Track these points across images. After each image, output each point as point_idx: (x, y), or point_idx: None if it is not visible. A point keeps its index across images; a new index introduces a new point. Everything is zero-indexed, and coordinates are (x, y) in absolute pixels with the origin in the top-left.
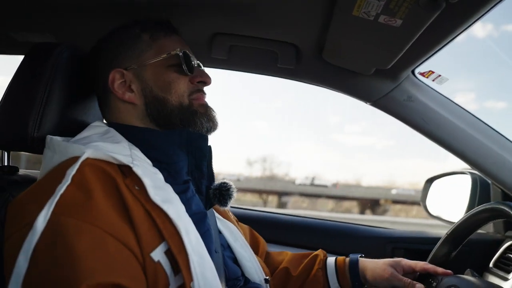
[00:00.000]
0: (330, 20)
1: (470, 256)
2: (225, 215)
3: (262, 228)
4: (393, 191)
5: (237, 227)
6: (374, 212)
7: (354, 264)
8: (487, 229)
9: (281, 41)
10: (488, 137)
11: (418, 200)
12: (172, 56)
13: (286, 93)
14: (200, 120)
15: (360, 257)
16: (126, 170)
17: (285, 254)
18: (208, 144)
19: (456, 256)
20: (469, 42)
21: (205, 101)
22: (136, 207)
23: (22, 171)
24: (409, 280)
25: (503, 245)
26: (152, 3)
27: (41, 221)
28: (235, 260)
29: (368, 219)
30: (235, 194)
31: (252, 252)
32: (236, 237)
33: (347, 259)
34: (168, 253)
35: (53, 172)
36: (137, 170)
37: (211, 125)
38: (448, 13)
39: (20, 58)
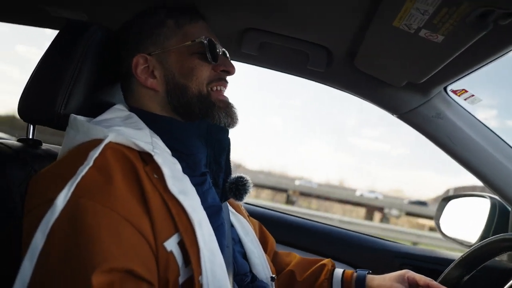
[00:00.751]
0: (368, 28)
1: (480, 282)
2: (238, 209)
3: (270, 227)
4: (297, 182)
5: (248, 222)
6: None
7: (361, 280)
8: (501, 257)
9: (313, 42)
10: None
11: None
12: (196, 44)
13: (304, 91)
14: (218, 114)
15: (367, 273)
16: (146, 158)
17: (293, 256)
18: (228, 137)
19: (466, 280)
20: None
21: (225, 97)
22: (154, 196)
23: (45, 145)
24: None
25: None
26: None
27: (61, 200)
28: (244, 255)
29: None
30: (251, 189)
31: (261, 249)
32: (247, 232)
33: (355, 274)
34: (181, 244)
35: (75, 153)
36: (158, 158)
37: (230, 121)
38: (493, 34)
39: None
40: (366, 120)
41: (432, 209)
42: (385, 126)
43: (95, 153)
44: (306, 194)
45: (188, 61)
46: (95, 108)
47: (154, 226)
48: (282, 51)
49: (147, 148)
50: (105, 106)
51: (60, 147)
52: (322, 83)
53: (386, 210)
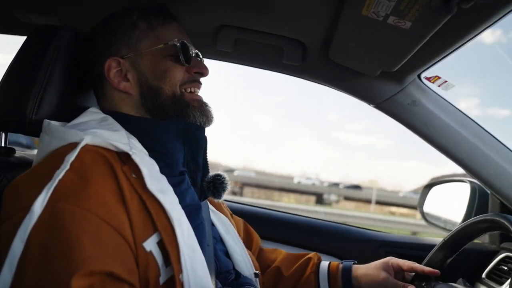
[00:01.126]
0: (338, 19)
1: (463, 265)
2: (219, 208)
3: (256, 224)
4: (235, 173)
5: (230, 220)
6: None
7: (347, 271)
8: (482, 239)
9: (287, 37)
10: (491, 147)
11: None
12: (169, 46)
13: (289, 88)
14: (193, 113)
15: (353, 264)
16: (124, 158)
17: (278, 252)
18: (205, 135)
19: (449, 264)
20: (476, 47)
21: (199, 97)
22: (132, 196)
23: (18, 153)
24: (402, 283)
25: (497, 256)
26: None
27: (38, 205)
28: (227, 253)
29: None
30: (229, 187)
31: (244, 246)
32: (228, 230)
33: (341, 265)
34: (160, 244)
35: (51, 157)
36: (136, 158)
37: (205, 119)
38: (458, 18)
39: (22, 38)
40: (349, 114)
41: (365, 192)
42: (368, 119)
43: (72, 156)
44: (246, 184)
45: (161, 64)
46: (68, 112)
47: (133, 227)
48: (257, 47)
49: (125, 148)
50: (79, 110)
51: (33, 154)
52: (299, 77)
53: (325, 196)
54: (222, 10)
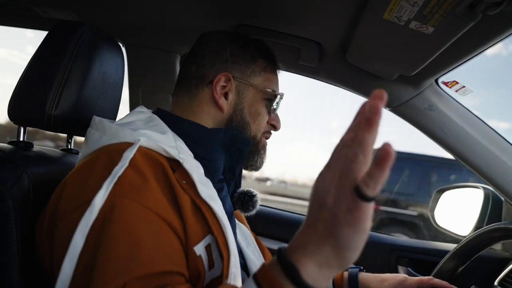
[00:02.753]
0: (358, 21)
1: (475, 272)
2: (240, 219)
3: (264, 223)
4: (268, 183)
5: (250, 232)
6: None
7: (353, 278)
8: (495, 246)
9: (305, 37)
10: (508, 155)
11: None
12: (273, 94)
13: (290, 93)
14: (258, 158)
15: (359, 270)
16: (173, 164)
17: None
18: (248, 150)
19: (462, 271)
20: (477, 57)
21: (267, 143)
22: (185, 200)
23: (36, 147)
24: None
25: (510, 264)
26: None
27: (99, 200)
28: (243, 266)
29: None
30: (258, 204)
31: (263, 260)
32: (249, 243)
33: (345, 273)
34: (208, 248)
35: (106, 153)
36: (186, 165)
37: (259, 166)
38: (481, 24)
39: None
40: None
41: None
42: None
43: (130, 154)
44: (281, 195)
45: (259, 104)
46: (89, 109)
47: (186, 230)
48: (273, 47)
49: (174, 153)
50: (99, 107)
51: (51, 148)
52: (314, 78)
53: None
54: (239, 10)
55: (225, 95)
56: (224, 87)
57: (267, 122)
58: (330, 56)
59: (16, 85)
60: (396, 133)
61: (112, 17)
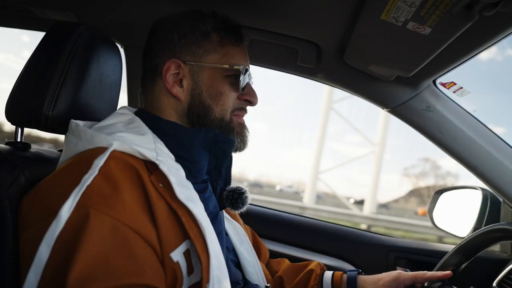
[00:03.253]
0: (356, 22)
1: (474, 273)
2: (233, 216)
3: (263, 225)
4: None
5: (244, 230)
6: None
7: (352, 281)
8: (494, 248)
9: (302, 39)
10: (506, 155)
11: None
12: (233, 69)
13: (288, 97)
14: (235, 138)
15: (358, 273)
16: (150, 166)
17: (282, 262)
18: (232, 149)
19: (461, 271)
20: (472, 62)
21: (243, 120)
22: (160, 205)
23: (34, 148)
24: None
25: (509, 265)
26: None
27: (66, 211)
28: (237, 264)
29: None
30: (248, 200)
31: (257, 258)
32: (242, 240)
33: (345, 275)
34: (186, 253)
35: (78, 161)
36: (163, 167)
37: (242, 146)
38: (479, 25)
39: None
40: (347, 127)
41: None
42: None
43: (100, 161)
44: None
45: (219, 84)
46: (87, 109)
47: (160, 237)
48: (272, 48)
49: (151, 156)
50: (97, 108)
51: (48, 149)
52: (313, 79)
53: None
54: (237, 11)
55: (180, 83)
56: (176, 74)
57: (240, 99)
58: (328, 57)
59: (14, 86)
60: None
61: (110, 18)
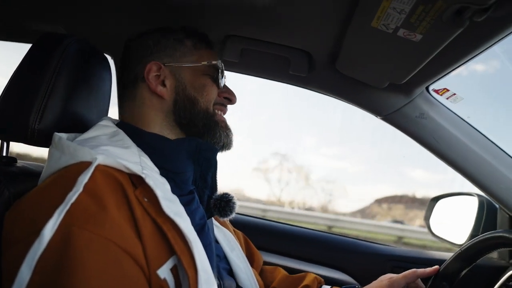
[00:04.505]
0: (347, 30)
1: (472, 280)
2: (223, 223)
3: (259, 236)
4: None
5: (234, 236)
6: None
7: None
8: (492, 255)
9: (294, 47)
10: (501, 161)
11: None
12: (211, 66)
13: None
14: (220, 132)
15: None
16: (136, 180)
17: (278, 272)
18: (216, 157)
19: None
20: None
21: (225, 119)
22: (145, 221)
23: (20, 163)
24: None
25: (507, 272)
26: (164, 1)
27: (49, 230)
28: (229, 271)
29: None
30: (236, 206)
31: (248, 264)
32: (232, 247)
33: None
34: (174, 269)
35: (61, 177)
36: (149, 181)
37: (227, 141)
38: (470, 31)
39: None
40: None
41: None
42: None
43: (85, 177)
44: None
45: (200, 78)
46: (74, 121)
47: (146, 254)
48: (263, 57)
49: (137, 169)
50: (84, 120)
51: (35, 163)
52: (305, 88)
53: None
54: (228, 21)
55: (163, 84)
56: (158, 76)
57: (220, 96)
58: (320, 65)
59: None
60: None
61: (100, 30)
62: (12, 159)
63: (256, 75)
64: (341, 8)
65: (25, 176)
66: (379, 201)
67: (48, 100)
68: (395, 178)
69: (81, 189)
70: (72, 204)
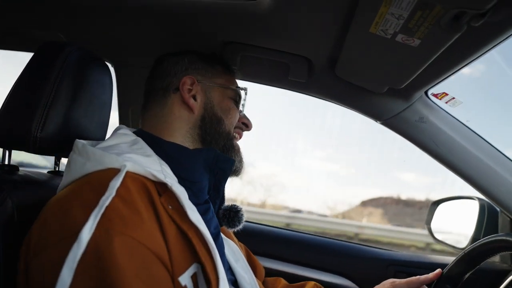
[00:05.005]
0: (345, 36)
1: (475, 284)
2: (227, 234)
3: (260, 242)
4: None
5: (238, 247)
6: None
7: None
8: (494, 258)
9: (293, 53)
10: (501, 165)
11: None
12: (236, 91)
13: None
14: (235, 157)
15: None
16: (160, 188)
17: (278, 282)
18: (231, 168)
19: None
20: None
21: (239, 145)
22: (170, 228)
23: (22, 171)
24: None
25: (509, 276)
26: (163, 8)
27: (87, 232)
28: (234, 282)
29: None
30: (244, 218)
31: (253, 275)
32: (237, 258)
33: None
34: (194, 277)
35: (90, 182)
36: (175, 189)
37: (239, 167)
38: (468, 35)
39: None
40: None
41: None
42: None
43: (117, 182)
44: None
45: (227, 101)
46: (76, 129)
47: (172, 260)
48: (263, 63)
49: (161, 177)
50: (86, 128)
51: (37, 171)
52: (304, 93)
53: None
54: (227, 27)
55: (193, 98)
56: (190, 90)
57: (238, 121)
58: (319, 71)
59: (1, 107)
60: None
61: (99, 37)
62: (14, 167)
63: (255, 81)
64: (339, 14)
65: (27, 184)
66: (364, 203)
67: (50, 109)
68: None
69: (114, 193)
70: (106, 208)
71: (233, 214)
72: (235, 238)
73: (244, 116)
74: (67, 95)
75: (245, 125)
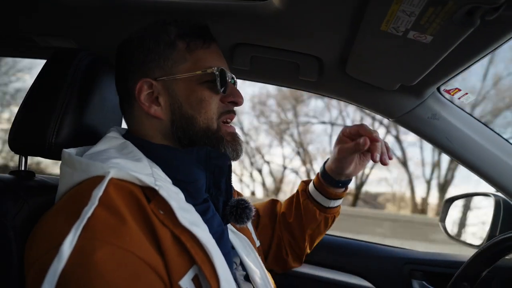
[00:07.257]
0: (356, 34)
1: (492, 281)
2: (241, 228)
3: None
4: None
5: (249, 239)
6: None
7: (323, 172)
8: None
9: (303, 53)
10: None
11: None
12: (207, 73)
13: None
14: (225, 147)
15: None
16: (149, 193)
17: (279, 204)
18: (228, 163)
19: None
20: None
21: (233, 129)
22: (164, 233)
23: (38, 177)
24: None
25: None
26: (174, 10)
27: (67, 246)
28: (246, 277)
29: None
30: (253, 213)
31: (264, 269)
32: (248, 252)
33: (319, 173)
34: (195, 279)
35: (76, 192)
36: (163, 192)
37: (234, 155)
38: (480, 30)
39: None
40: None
41: None
42: None
43: (99, 191)
44: None
45: (197, 91)
46: (90, 135)
47: (168, 266)
48: (273, 64)
49: (149, 181)
50: (100, 133)
51: (53, 177)
52: (315, 93)
53: None
54: (237, 29)
55: (157, 102)
56: (151, 93)
57: (223, 101)
58: (330, 70)
59: (16, 115)
60: None
61: (110, 42)
62: (30, 173)
63: (265, 81)
64: (350, 12)
65: (43, 190)
66: None
67: (64, 114)
68: None
69: (96, 203)
70: (89, 218)
71: (240, 210)
72: (250, 229)
73: (230, 93)
74: (80, 100)
75: (233, 103)
